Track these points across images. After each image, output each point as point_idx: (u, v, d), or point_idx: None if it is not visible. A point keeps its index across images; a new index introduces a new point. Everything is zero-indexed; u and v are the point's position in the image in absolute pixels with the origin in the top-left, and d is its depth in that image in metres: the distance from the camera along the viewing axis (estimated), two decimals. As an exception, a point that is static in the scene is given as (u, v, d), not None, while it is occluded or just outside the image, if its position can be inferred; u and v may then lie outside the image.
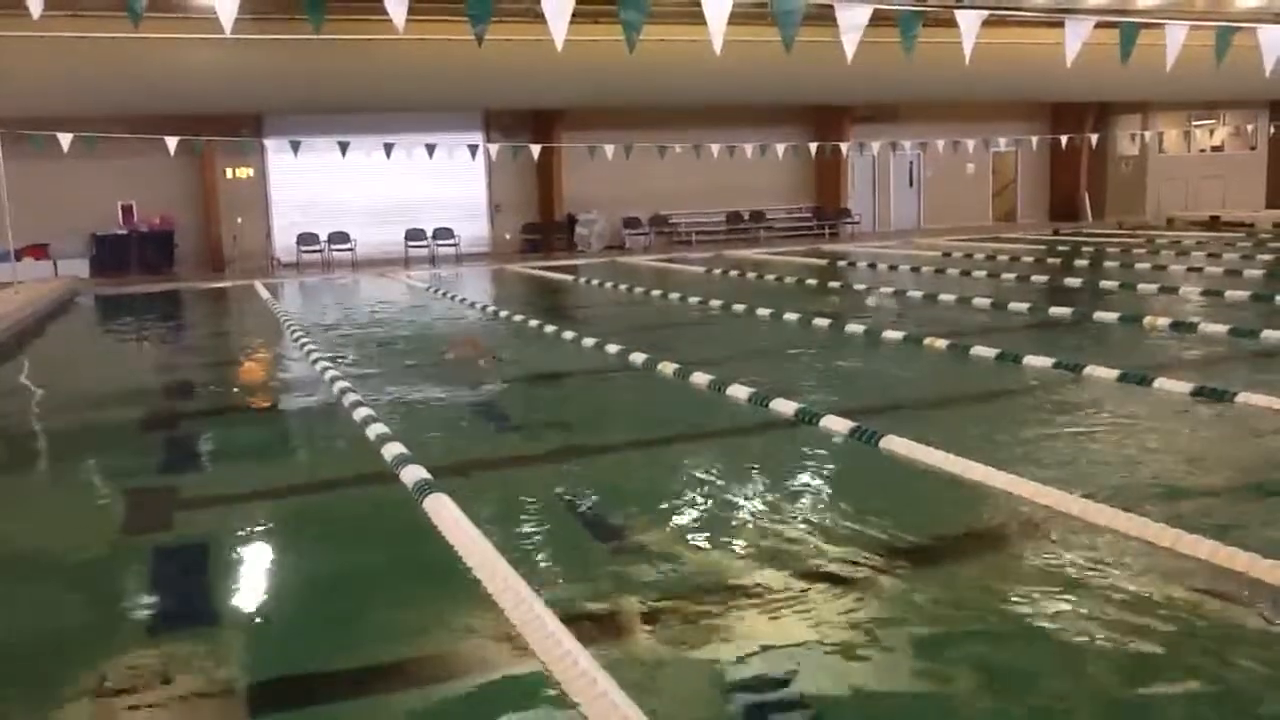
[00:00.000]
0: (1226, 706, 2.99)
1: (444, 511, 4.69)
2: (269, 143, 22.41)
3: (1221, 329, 9.25)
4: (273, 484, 5.80)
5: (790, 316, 11.25)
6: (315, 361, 9.51)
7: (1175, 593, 3.69)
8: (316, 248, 23.69)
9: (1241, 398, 6.44)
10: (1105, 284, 13.55)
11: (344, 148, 19.96)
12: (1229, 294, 11.81)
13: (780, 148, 22.69)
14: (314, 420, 7.58)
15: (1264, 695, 3.04)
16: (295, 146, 20.14)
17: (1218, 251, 17.45)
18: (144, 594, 4.22)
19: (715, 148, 21.99)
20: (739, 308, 12.26)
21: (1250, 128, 30.33)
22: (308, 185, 23.41)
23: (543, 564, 4.25)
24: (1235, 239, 20.37)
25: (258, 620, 3.93)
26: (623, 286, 15.83)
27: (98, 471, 6.39)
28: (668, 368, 8.27)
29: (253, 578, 4.42)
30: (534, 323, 11.88)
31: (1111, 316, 10.35)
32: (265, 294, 17.36)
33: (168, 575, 4.42)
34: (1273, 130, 29.83)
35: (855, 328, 10.27)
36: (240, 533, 4.89)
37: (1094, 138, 26.58)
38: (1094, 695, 3.05)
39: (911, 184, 29.32)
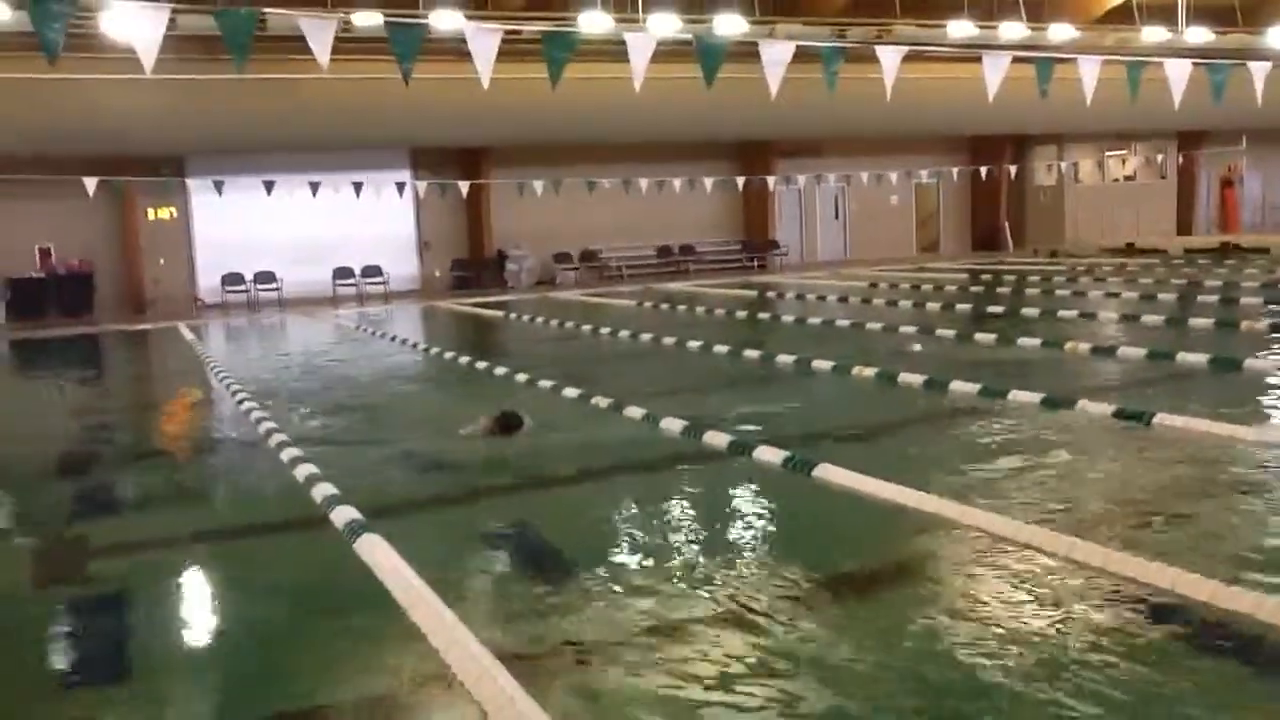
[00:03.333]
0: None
1: (376, 552, 4.62)
2: (192, 182, 22.03)
3: (1140, 352, 9.49)
4: (196, 529, 5.66)
5: (721, 349, 11.32)
6: (240, 401, 9.34)
7: (1094, 604, 3.76)
8: (242, 288, 23.33)
9: (1159, 418, 6.60)
10: (1027, 310, 13.85)
11: (269, 186, 19.77)
12: (1146, 318, 12.13)
13: (708, 182, 22.90)
14: (240, 462, 7.43)
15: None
16: (219, 186, 19.89)
17: (1134, 277, 17.95)
18: (55, 648, 4.09)
19: (644, 183, 22.14)
20: (669, 340, 12.30)
21: (1160, 158, 31.31)
22: (232, 224, 22.98)
23: (476, 603, 4.20)
24: (1150, 264, 20.98)
25: (181, 671, 3.83)
26: (554, 322, 15.81)
27: (5, 520, 6.19)
28: (601, 402, 8.26)
29: (175, 627, 4.30)
30: (464, 359, 11.80)
31: (1034, 342, 10.57)
32: (189, 335, 17.03)
33: (81, 628, 4.28)
34: (1181, 160, 30.84)
35: (785, 358, 10.35)
36: (159, 581, 4.76)
37: (1013, 169, 27.26)
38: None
39: (837, 216, 29.76)
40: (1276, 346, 9.72)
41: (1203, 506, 5.09)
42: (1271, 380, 8.15)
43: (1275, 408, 7.45)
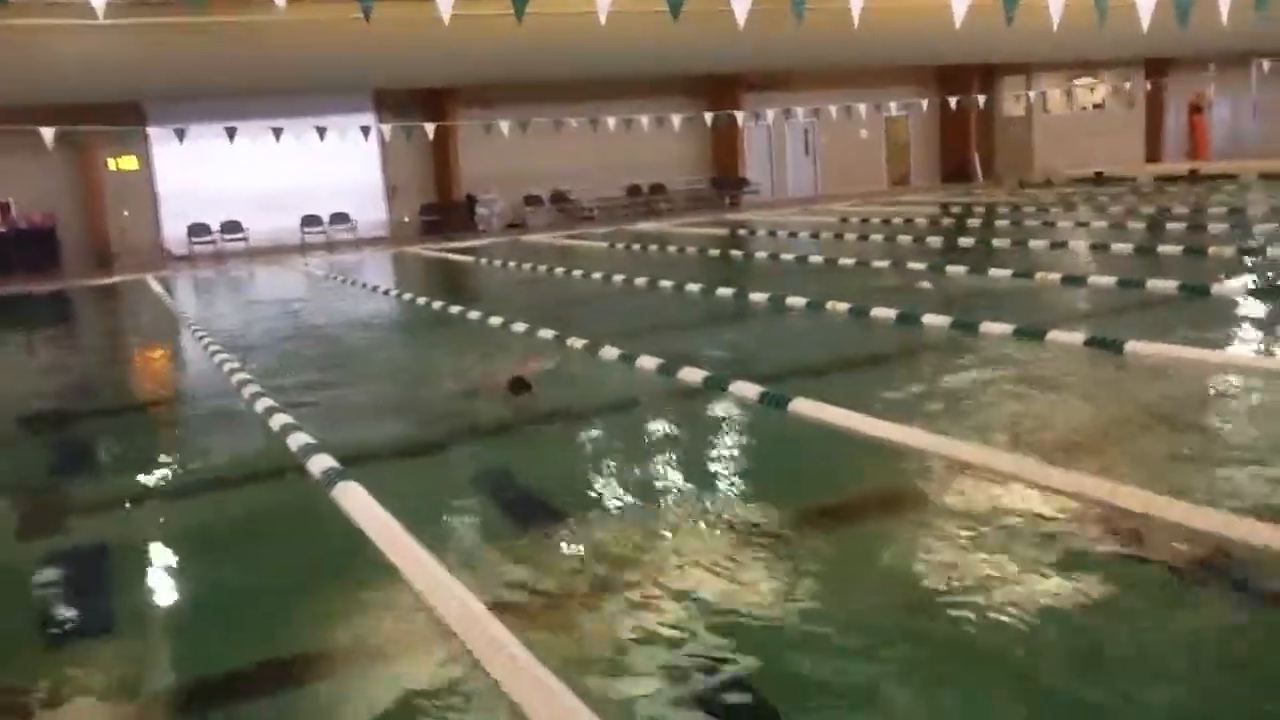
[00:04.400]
0: (1115, 638, 3.11)
1: (355, 499, 4.62)
2: (152, 131, 21.59)
3: (1110, 280, 9.56)
4: (174, 481, 5.65)
5: (694, 288, 11.31)
6: (213, 354, 9.27)
7: (1070, 530, 3.82)
8: (209, 238, 23.04)
9: (1130, 346, 6.66)
10: (998, 242, 13.90)
11: (231, 133, 19.45)
12: (1116, 247, 12.20)
13: (676, 119, 22.71)
14: (215, 414, 7.38)
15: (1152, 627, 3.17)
16: (180, 134, 19.56)
17: (1104, 206, 18.01)
18: (41, 602, 4.08)
19: (612, 121, 21.93)
20: (642, 281, 12.28)
21: (1128, 86, 31.27)
22: (196, 174, 22.61)
23: (460, 547, 4.21)
24: (1119, 193, 21.05)
25: (161, 622, 3.83)
26: (526, 265, 15.73)
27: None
28: (576, 343, 8.25)
29: (153, 579, 4.30)
30: (437, 305, 11.74)
31: (1005, 273, 10.61)
32: (158, 288, 16.84)
33: (65, 581, 4.27)
34: (1149, 88, 30.82)
35: (758, 295, 10.36)
36: (141, 533, 4.75)
37: (981, 100, 27.17)
38: (998, 641, 3.14)
39: (807, 151, 29.63)
40: (1244, 271, 9.81)
41: (1170, 431, 5.16)
42: (1239, 305, 8.23)
43: (1243, 332, 7.53)
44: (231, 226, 23.16)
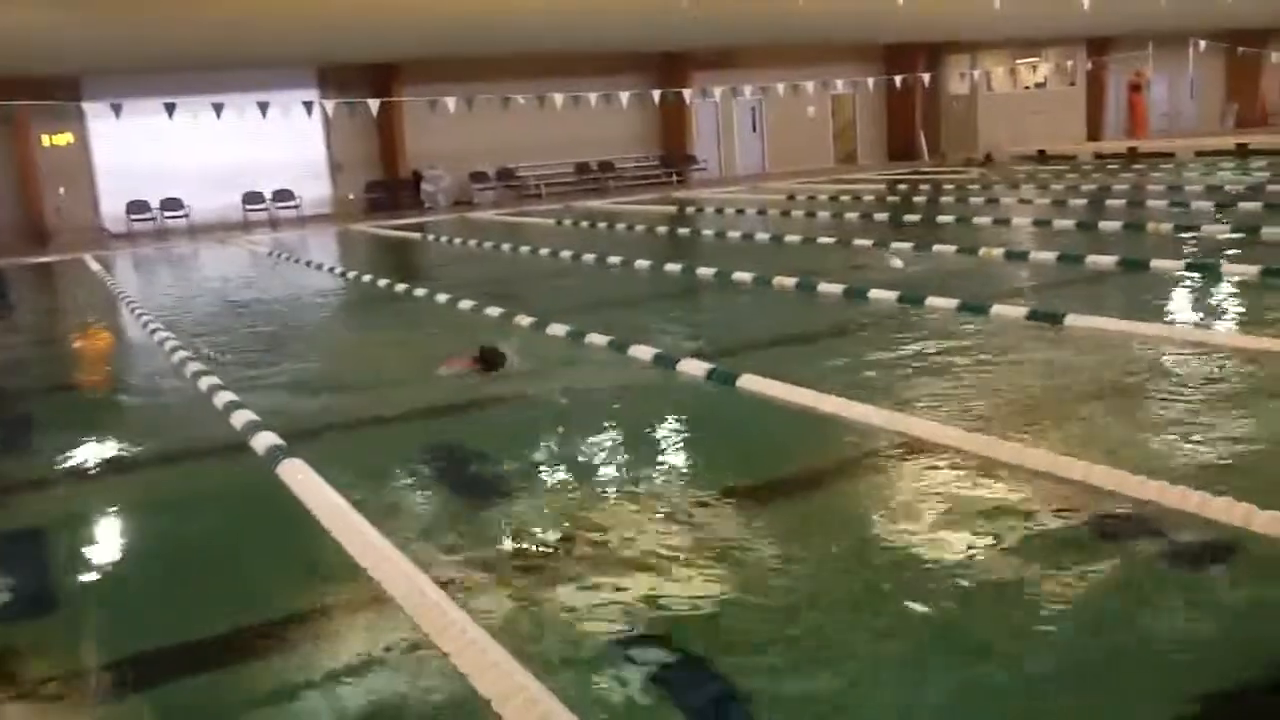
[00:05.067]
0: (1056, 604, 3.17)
1: (299, 476, 4.57)
2: (88, 106, 21.12)
3: (1051, 256, 9.70)
4: (114, 460, 5.55)
5: (642, 264, 11.30)
6: (154, 332, 9.11)
7: (1009, 499, 3.89)
8: (148, 216, 22.62)
9: (1070, 319, 6.77)
10: (942, 218, 14.04)
11: (170, 109, 19.06)
12: (1057, 223, 12.38)
13: (625, 96, 22.63)
14: (157, 394, 7.27)
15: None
16: (117, 109, 19.14)
17: (1046, 183, 18.25)
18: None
19: (559, 98, 21.79)
20: (590, 258, 12.25)
21: (1070, 64, 31.64)
22: (134, 150, 22.13)
23: (404, 522, 4.19)
24: (1061, 171, 21.33)
25: (104, 600, 3.78)
26: (473, 242, 15.62)
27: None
28: (524, 320, 8.22)
29: (95, 557, 4.24)
30: (383, 282, 11.63)
31: (950, 249, 10.72)
32: (96, 267, 16.50)
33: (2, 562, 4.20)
34: (1090, 66, 31.22)
35: (706, 271, 10.38)
36: (75, 513, 4.67)
37: (926, 78, 27.36)
38: (940, 606, 3.20)
39: (755, 129, 29.68)
40: (1181, 247, 9.99)
41: (1108, 402, 5.26)
42: (1177, 279, 8.39)
43: (1180, 305, 7.67)
44: (172, 204, 22.74)
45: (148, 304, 11.25)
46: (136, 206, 22.49)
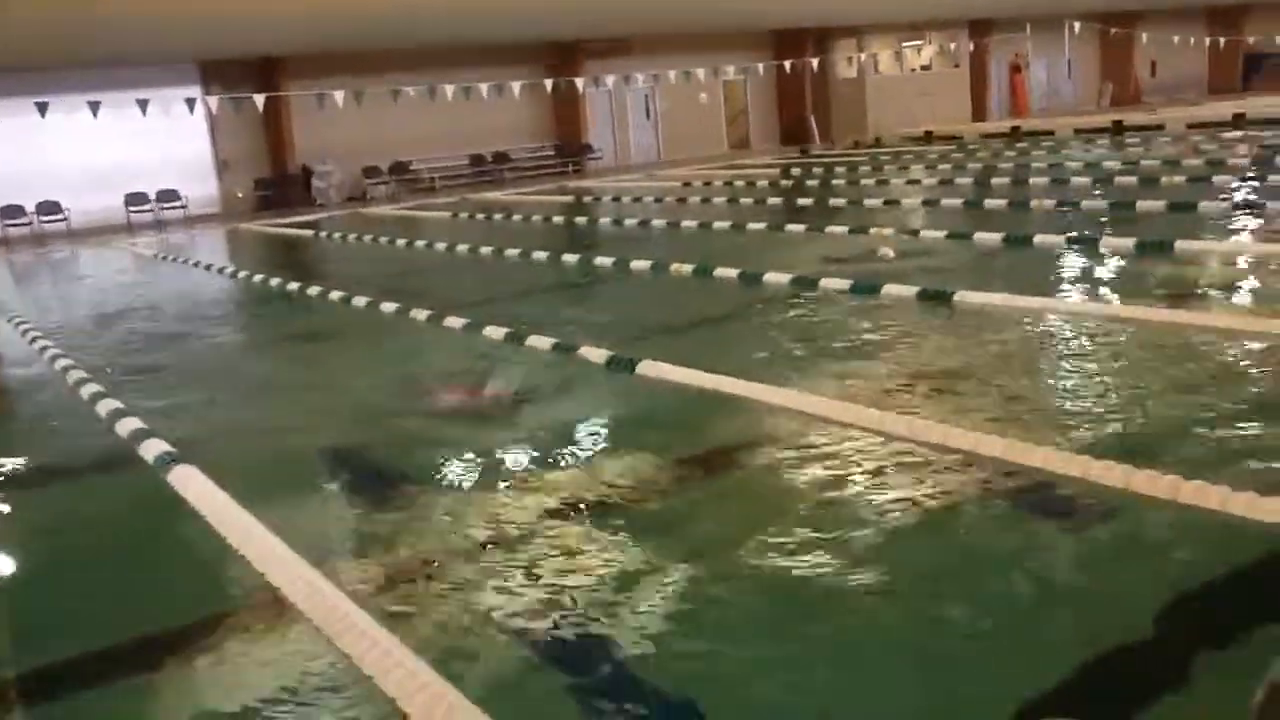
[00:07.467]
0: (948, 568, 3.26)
1: (191, 482, 4.46)
2: (-46, 108, 20.19)
3: (940, 234, 9.92)
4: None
5: (539, 255, 11.26)
6: (33, 340, 8.77)
7: (906, 469, 3.98)
8: (24, 220, 21.73)
9: (959, 296, 6.95)
10: (835, 201, 14.26)
11: (43, 109, 18.33)
12: (945, 202, 12.68)
13: (516, 86, 22.46)
14: (38, 405, 7.01)
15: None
16: (-15, 110, 18.36)
17: (934, 163, 18.67)
18: None
19: (450, 89, 21.54)
20: (487, 250, 12.15)
21: (954, 47, 32.38)
22: (6, 152, 21.25)
23: (302, 524, 4.11)
24: (948, 151, 21.83)
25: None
26: (367, 238, 15.37)
27: None
28: (420, 314, 8.12)
29: (-19, 577, 4.08)
30: (275, 281, 11.37)
31: (842, 230, 10.90)
32: (-32, 274, 15.82)
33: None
34: (973, 48, 31.99)
35: (604, 260, 10.38)
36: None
37: (815, 63, 27.71)
38: (840, 563, 3.26)
39: (649, 116, 29.75)
40: (1062, 222, 10.32)
41: (997, 373, 5.41)
42: (1059, 253, 8.66)
43: (1063, 279, 7.92)
44: (49, 207, 21.90)
45: (26, 312, 10.82)
46: (10, 210, 21.58)
